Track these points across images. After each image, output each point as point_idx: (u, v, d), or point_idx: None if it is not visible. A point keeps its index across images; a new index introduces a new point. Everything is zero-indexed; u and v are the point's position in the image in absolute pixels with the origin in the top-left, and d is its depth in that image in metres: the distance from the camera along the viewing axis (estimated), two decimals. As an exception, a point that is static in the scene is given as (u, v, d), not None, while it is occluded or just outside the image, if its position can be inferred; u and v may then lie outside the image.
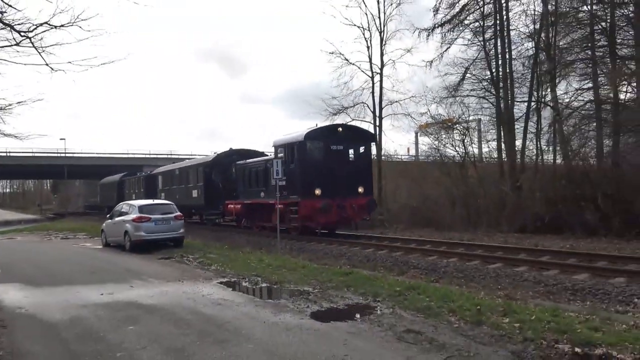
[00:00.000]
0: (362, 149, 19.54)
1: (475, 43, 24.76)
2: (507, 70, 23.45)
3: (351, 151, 19.22)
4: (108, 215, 19.10)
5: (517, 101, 23.90)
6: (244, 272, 11.04)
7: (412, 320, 6.60)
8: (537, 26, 22.94)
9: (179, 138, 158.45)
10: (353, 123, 26.06)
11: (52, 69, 10.03)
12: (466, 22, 24.61)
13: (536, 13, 23.15)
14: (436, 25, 24.95)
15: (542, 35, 22.53)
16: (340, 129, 19.33)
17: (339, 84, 29.22)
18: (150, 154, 59.58)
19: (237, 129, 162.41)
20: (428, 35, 25.40)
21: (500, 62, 23.75)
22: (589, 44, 21.39)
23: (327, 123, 24.10)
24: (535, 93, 23.11)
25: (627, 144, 19.88)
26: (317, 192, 17.89)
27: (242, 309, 7.55)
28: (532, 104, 23.14)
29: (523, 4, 24.36)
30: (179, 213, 16.93)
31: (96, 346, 5.80)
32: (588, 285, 9.20)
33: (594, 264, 11.18)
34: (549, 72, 22.19)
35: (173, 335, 6.19)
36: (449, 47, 25.19)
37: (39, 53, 9.75)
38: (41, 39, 9.66)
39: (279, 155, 19.17)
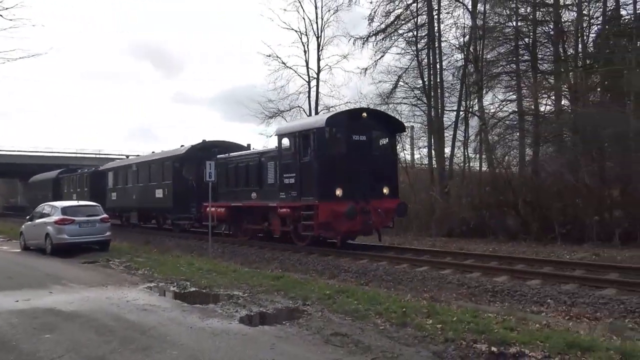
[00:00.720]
0: (388, 140, 16.32)
1: (408, 52, 25.54)
2: (438, 80, 24.27)
3: (375, 142, 16.02)
4: (28, 217, 18.09)
5: (447, 110, 24.80)
6: (172, 277, 10.78)
7: (340, 323, 6.69)
8: (467, 39, 23.99)
9: (107, 137, 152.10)
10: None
11: (-32, 60, 9.42)
12: (400, 31, 25.33)
13: (466, 26, 24.23)
14: (371, 34, 25.47)
15: (471, 47, 23.55)
16: (364, 114, 15.80)
17: (276, 87, 29.17)
18: (77, 153, 56.87)
19: (169, 129, 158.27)
20: (363, 44, 25.95)
21: (431, 72, 24.59)
22: (514, 58, 22.67)
23: (263, 126, 23.28)
24: (464, 103, 24.10)
25: (546, 153, 21.19)
26: (338, 192, 14.50)
27: (168, 314, 7.37)
28: (461, 113, 24.11)
29: (454, 17, 25.39)
30: (105, 215, 16.38)
31: (8, 356, 5.47)
32: (507, 287, 9.66)
33: (513, 266, 11.74)
34: (476, 83, 23.23)
35: (93, 343, 5.94)
36: (383, 56, 25.86)
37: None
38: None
39: (284, 145, 16.04)
